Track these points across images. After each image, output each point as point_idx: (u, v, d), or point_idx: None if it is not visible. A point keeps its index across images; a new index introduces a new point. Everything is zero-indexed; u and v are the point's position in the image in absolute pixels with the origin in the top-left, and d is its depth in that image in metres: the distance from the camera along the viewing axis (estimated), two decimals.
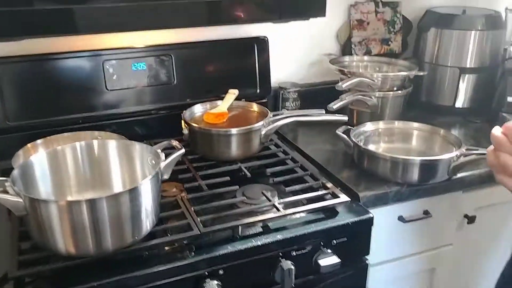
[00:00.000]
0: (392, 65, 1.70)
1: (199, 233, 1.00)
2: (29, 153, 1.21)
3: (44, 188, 1.02)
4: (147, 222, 0.96)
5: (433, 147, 1.36)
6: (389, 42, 1.82)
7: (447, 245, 1.38)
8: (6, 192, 0.89)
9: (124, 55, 1.39)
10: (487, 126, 1.57)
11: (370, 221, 1.12)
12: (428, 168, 1.22)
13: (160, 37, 1.45)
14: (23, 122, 1.31)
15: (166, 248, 0.99)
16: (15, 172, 0.93)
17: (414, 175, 1.22)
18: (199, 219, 1.04)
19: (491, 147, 0.73)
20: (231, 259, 1.00)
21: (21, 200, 0.87)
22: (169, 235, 1.01)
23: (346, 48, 1.78)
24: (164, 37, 1.45)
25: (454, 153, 1.22)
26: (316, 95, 1.71)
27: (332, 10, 1.28)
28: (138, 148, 1.06)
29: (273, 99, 1.65)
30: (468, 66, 1.65)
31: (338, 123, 1.39)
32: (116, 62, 1.38)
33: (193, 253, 0.98)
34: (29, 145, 1.22)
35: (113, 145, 1.08)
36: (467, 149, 1.23)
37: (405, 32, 1.84)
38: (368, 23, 1.78)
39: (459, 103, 1.70)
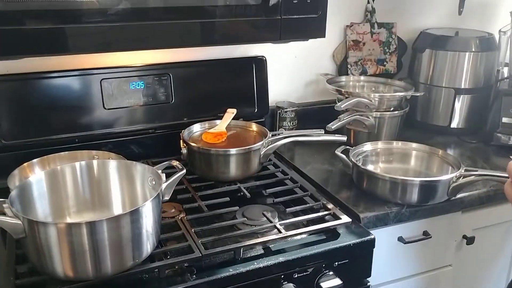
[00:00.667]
0: (388, 86, 1.71)
1: (200, 255, 0.98)
2: (25, 173, 1.19)
3: (42, 209, 1.00)
4: (147, 245, 0.94)
5: (431, 167, 1.36)
6: (385, 63, 1.84)
7: (446, 266, 1.37)
8: (3, 213, 0.87)
9: (122, 73, 1.38)
10: (483, 147, 1.61)
11: (372, 243, 1.11)
12: (428, 188, 1.22)
13: (159, 56, 1.44)
14: (19, 141, 1.28)
15: (167, 271, 0.97)
16: (13, 193, 0.91)
17: (414, 195, 1.22)
18: (199, 241, 1.02)
19: (509, 180, 0.75)
20: (232, 282, 0.98)
21: (19, 222, 0.85)
22: (169, 257, 1.00)
23: (342, 68, 1.80)
24: (162, 56, 1.45)
25: (454, 174, 1.23)
26: (313, 114, 1.72)
27: (328, 30, 1.29)
28: (139, 168, 1.05)
29: (270, 118, 1.65)
30: (463, 86, 1.67)
31: (334, 143, 1.39)
32: (114, 80, 1.37)
33: (194, 276, 0.96)
34: (25, 164, 1.20)
35: (113, 165, 1.07)
36: (466, 170, 1.24)
37: (400, 52, 1.86)
38: (363, 44, 1.80)
39: (454, 124, 1.71)
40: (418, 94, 1.64)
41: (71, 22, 1.04)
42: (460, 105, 1.69)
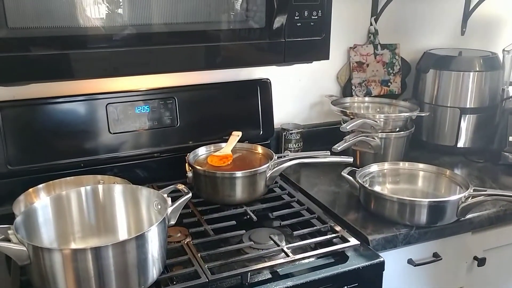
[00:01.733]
0: (393, 106, 1.71)
1: (207, 280, 0.96)
2: (30, 198, 1.18)
3: (47, 235, 0.99)
4: (153, 270, 0.93)
5: (439, 188, 1.35)
6: (389, 83, 1.84)
7: None
8: (8, 240, 0.86)
9: (127, 98, 1.39)
10: (490, 166, 1.59)
11: (381, 265, 1.09)
12: (437, 209, 1.20)
13: (164, 80, 1.45)
14: (25, 166, 1.28)
15: None
16: (18, 219, 0.91)
17: (423, 216, 1.20)
18: (206, 266, 1.01)
19: None
20: None
21: (24, 248, 0.84)
22: (175, 283, 0.98)
23: (347, 89, 1.80)
24: (167, 80, 1.46)
25: (462, 194, 1.21)
26: (318, 136, 1.71)
27: (332, 52, 1.30)
28: (144, 192, 1.04)
29: (275, 140, 1.64)
30: (468, 106, 1.67)
31: (340, 165, 1.38)
32: (119, 105, 1.38)
33: None
34: (30, 190, 1.20)
35: (118, 189, 1.06)
36: (474, 190, 1.23)
37: (404, 73, 1.87)
38: (367, 65, 1.80)
39: (460, 143, 1.70)
40: (423, 114, 1.64)
41: (77, 48, 1.05)
42: (466, 124, 1.68)
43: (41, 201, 1.00)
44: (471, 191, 1.22)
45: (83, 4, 1.03)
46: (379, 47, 1.80)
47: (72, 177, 1.28)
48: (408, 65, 1.88)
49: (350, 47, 1.77)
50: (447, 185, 1.34)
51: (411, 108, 1.65)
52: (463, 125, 1.68)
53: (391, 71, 1.84)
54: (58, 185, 1.24)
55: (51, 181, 1.24)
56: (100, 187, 1.06)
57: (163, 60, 1.15)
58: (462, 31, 1.94)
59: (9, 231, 0.86)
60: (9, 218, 0.99)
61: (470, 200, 1.21)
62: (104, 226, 1.07)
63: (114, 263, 0.85)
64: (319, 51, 1.28)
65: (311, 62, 1.33)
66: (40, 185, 1.22)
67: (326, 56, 1.29)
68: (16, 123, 1.28)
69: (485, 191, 1.22)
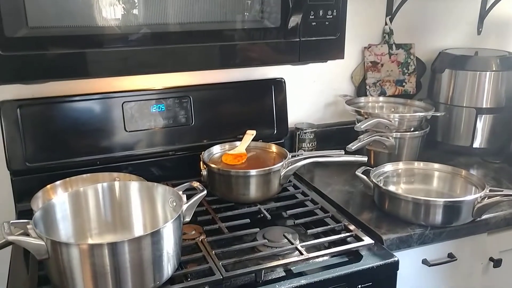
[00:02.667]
0: (408, 106, 1.70)
1: (221, 277, 0.97)
2: (48, 195, 1.20)
3: (64, 231, 1.00)
4: (168, 266, 0.94)
5: (454, 188, 1.34)
6: (403, 83, 1.84)
7: None
8: (27, 234, 0.88)
9: (143, 96, 1.41)
10: (507, 167, 1.57)
11: (395, 265, 1.09)
12: (452, 209, 1.20)
13: (179, 79, 1.46)
14: (42, 163, 1.31)
15: None
16: (37, 214, 0.92)
17: (438, 217, 1.19)
18: (220, 263, 1.01)
19: None
20: None
21: (43, 243, 0.85)
22: (190, 279, 0.99)
23: (361, 89, 1.79)
24: (182, 79, 1.47)
25: (478, 194, 1.20)
26: (332, 135, 1.71)
27: (346, 52, 1.30)
28: (160, 190, 1.06)
29: (289, 139, 1.65)
30: (484, 106, 1.65)
31: (354, 164, 1.38)
32: (135, 103, 1.39)
33: None
34: (48, 186, 1.22)
35: (134, 187, 1.07)
36: (490, 190, 1.22)
37: (419, 73, 1.85)
38: (382, 65, 1.79)
39: (476, 144, 1.68)
40: (439, 114, 1.63)
41: (94, 47, 1.07)
42: (482, 124, 1.67)
43: (59, 197, 1.02)
44: (487, 191, 1.21)
45: (101, 4, 1.05)
46: (394, 46, 1.80)
47: (88, 174, 1.30)
48: (423, 65, 1.87)
49: (365, 47, 1.77)
50: (462, 186, 1.33)
51: (426, 108, 1.64)
52: (479, 125, 1.67)
53: (406, 71, 1.83)
54: (75, 182, 1.26)
55: (68, 178, 1.27)
56: (117, 184, 1.07)
57: (178, 59, 1.16)
58: (478, 31, 1.92)
59: (28, 226, 0.88)
60: (28, 214, 1.01)
61: (486, 201, 1.20)
62: (120, 223, 1.08)
63: (130, 259, 0.86)
64: (334, 51, 1.28)
65: (326, 62, 1.33)
66: (58, 182, 1.24)
67: (341, 56, 1.29)
68: (35, 121, 1.30)
69: (502, 191, 1.21)
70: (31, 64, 1.03)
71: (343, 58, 1.30)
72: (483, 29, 1.91)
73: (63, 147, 1.33)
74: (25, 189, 1.26)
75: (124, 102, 1.38)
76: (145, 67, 1.16)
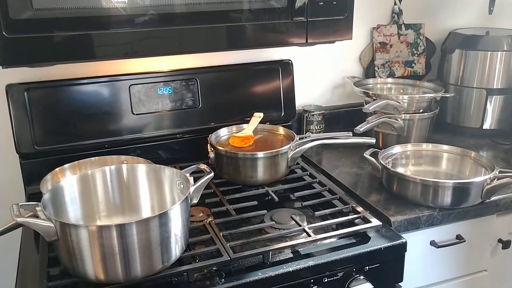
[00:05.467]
0: (417, 87, 1.68)
1: (229, 259, 0.97)
2: (57, 177, 1.21)
3: (73, 213, 1.01)
4: (176, 248, 0.94)
5: (464, 170, 1.33)
6: (413, 64, 1.81)
7: (481, 271, 1.33)
8: (36, 216, 0.88)
9: (150, 79, 1.40)
10: None
11: (403, 246, 1.08)
12: (461, 191, 1.19)
13: (186, 62, 1.46)
14: (51, 146, 1.31)
15: (196, 274, 0.97)
16: (46, 197, 0.93)
17: (446, 198, 1.19)
18: (228, 245, 1.02)
19: None
20: (261, 286, 0.97)
21: (52, 225, 0.86)
22: (198, 261, 0.99)
23: (370, 71, 1.77)
24: (189, 61, 1.46)
25: (488, 175, 1.19)
26: (340, 117, 1.70)
27: (355, 33, 1.28)
28: (167, 172, 1.06)
29: (297, 122, 1.64)
30: (495, 87, 1.63)
31: (362, 146, 1.37)
32: (142, 86, 1.39)
33: (223, 280, 0.96)
34: (57, 169, 1.22)
35: (142, 169, 1.08)
36: (500, 172, 1.20)
37: (428, 54, 1.83)
38: (391, 46, 1.77)
39: (486, 125, 1.67)
40: (448, 95, 1.61)
41: (100, 28, 1.06)
42: (492, 106, 1.65)
43: (67, 180, 1.02)
44: (497, 172, 1.20)
45: None
46: (403, 27, 1.77)
47: (96, 158, 1.30)
48: (433, 45, 1.84)
49: (373, 28, 1.74)
50: (472, 167, 1.32)
51: (436, 89, 1.62)
52: (489, 106, 1.65)
53: (415, 52, 1.80)
54: (83, 165, 1.27)
55: (76, 161, 1.27)
56: (124, 166, 1.08)
57: (185, 41, 1.15)
58: (489, 10, 1.87)
59: (37, 208, 0.89)
60: (37, 197, 1.02)
61: (495, 182, 1.19)
62: (128, 205, 1.08)
63: (138, 240, 0.87)
64: (342, 31, 1.26)
65: (334, 43, 1.31)
66: (66, 165, 1.25)
67: (349, 36, 1.27)
68: (42, 104, 1.30)
69: (511, 173, 1.19)
70: (37, 47, 1.02)
71: (351, 38, 1.28)
72: (495, 8, 1.87)
73: (71, 131, 1.33)
74: (34, 172, 1.27)
75: (131, 85, 1.38)
76: (151, 49, 1.15)
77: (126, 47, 1.11)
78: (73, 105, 1.33)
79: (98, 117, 1.36)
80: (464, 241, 1.24)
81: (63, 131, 1.33)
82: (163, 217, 0.89)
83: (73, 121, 1.33)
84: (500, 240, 1.32)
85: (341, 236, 1.09)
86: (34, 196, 1.24)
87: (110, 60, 1.34)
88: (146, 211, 1.09)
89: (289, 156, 1.28)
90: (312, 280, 1.01)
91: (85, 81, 1.34)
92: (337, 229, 1.11)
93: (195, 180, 1.01)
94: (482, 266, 1.33)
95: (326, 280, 1.02)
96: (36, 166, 1.29)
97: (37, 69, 1.25)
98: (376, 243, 1.07)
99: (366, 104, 1.48)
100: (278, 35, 1.23)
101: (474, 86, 1.65)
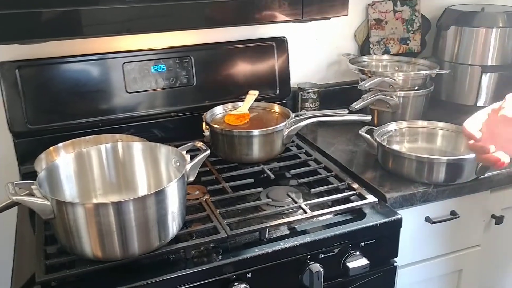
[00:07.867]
0: (412, 65, 1.68)
1: (226, 236, 0.98)
2: (51, 156, 1.20)
3: (69, 191, 1.01)
4: (173, 225, 0.94)
5: (458, 147, 1.33)
6: (408, 41, 1.80)
7: (474, 246, 1.35)
8: (32, 195, 0.88)
9: (143, 57, 1.38)
10: None
11: (398, 223, 1.09)
12: (455, 167, 1.20)
13: (179, 39, 1.44)
14: (44, 125, 1.30)
15: (193, 251, 0.97)
16: (42, 175, 0.92)
17: (441, 175, 1.19)
18: (225, 222, 1.02)
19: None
20: (258, 262, 0.98)
21: (48, 203, 0.86)
22: (195, 238, 1.00)
23: (365, 48, 1.76)
24: (183, 38, 1.44)
25: None
26: (335, 95, 1.70)
27: (350, 10, 1.26)
28: (163, 150, 1.05)
29: (292, 100, 1.63)
30: (489, 64, 1.63)
31: (357, 124, 1.37)
32: (136, 64, 1.37)
33: (220, 257, 0.97)
34: (51, 148, 1.21)
35: (138, 147, 1.07)
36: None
37: (424, 31, 1.82)
38: (386, 23, 1.76)
39: (481, 102, 1.67)
40: (443, 72, 1.60)
41: (89, 4, 1.03)
42: (487, 83, 1.65)
43: (62, 158, 1.01)
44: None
45: None
46: (398, 3, 1.75)
47: (91, 136, 1.29)
48: (428, 22, 1.83)
49: (369, 4, 1.73)
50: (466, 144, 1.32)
51: (431, 66, 1.61)
52: (484, 83, 1.65)
53: (410, 29, 1.79)
54: (78, 144, 1.26)
55: (70, 140, 1.26)
56: (120, 144, 1.07)
57: (178, 17, 1.13)
58: None
59: (33, 186, 0.88)
60: (32, 176, 1.01)
61: None
62: (124, 183, 1.08)
63: (135, 218, 0.87)
64: (338, 7, 1.24)
65: (330, 19, 1.29)
66: (60, 144, 1.24)
67: (344, 12, 1.26)
68: (34, 82, 1.28)
69: None
70: (27, 23, 1.00)
71: (347, 14, 1.26)
72: None
73: (64, 109, 1.32)
74: (28, 151, 1.26)
75: (124, 62, 1.36)
76: (144, 26, 1.13)
77: (118, 24, 1.09)
78: (66, 83, 1.31)
79: (92, 95, 1.34)
80: (458, 217, 1.26)
81: (56, 110, 1.31)
82: (160, 195, 0.89)
83: (66, 99, 1.32)
84: (493, 216, 1.34)
85: (337, 213, 1.10)
86: (28, 175, 1.23)
87: (102, 37, 1.32)
88: (142, 189, 1.09)
89: (285, 134, 1.28)
90: (308, 256, 1.02)
91: (78, 58, 1.32)
92: (333, 206, 1.12)
93: (191, 158, 1.01)
94: (475, 241, 1.35)
95: (322, 256, 1.03)
96: (29, 145, 1.28)
97: (28, 47, 1.24)
98: (372, 219, 1.08)
99: (361, 82, 1.48)
100: (273, 11, 1.21)
101: (469, 63, 1.65)
